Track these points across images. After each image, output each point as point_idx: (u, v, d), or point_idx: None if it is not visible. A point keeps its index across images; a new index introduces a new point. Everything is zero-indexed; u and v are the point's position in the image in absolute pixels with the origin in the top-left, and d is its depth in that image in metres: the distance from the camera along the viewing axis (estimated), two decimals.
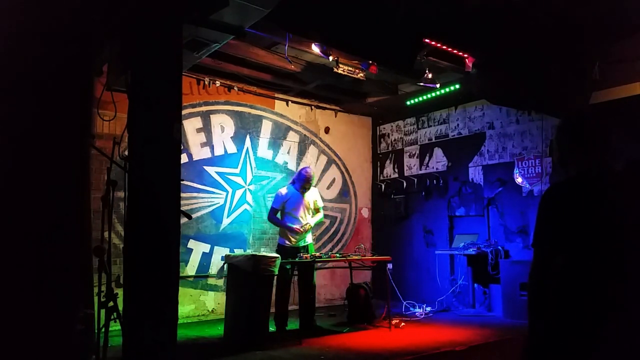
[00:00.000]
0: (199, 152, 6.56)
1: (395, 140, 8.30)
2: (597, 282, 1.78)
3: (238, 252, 6.40)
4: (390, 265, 6.78)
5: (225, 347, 4.79)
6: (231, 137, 6.87)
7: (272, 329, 5.27)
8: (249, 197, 6.96)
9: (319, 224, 6.41)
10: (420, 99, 7.14)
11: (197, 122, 6.56)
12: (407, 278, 7.64)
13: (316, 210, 5.89)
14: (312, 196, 5.86)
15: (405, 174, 8.06)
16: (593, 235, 1.80)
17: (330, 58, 5.47)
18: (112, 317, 3.07)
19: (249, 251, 6.52)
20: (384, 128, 8.50)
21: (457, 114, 7.42)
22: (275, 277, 5.04)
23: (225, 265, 5.16)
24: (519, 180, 6.52)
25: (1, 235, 2.74)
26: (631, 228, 1.80)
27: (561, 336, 1.79)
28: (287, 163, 7.39)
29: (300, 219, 5.70)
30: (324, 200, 7.81)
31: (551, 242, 1.87)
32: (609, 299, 1.75)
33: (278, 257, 4.94)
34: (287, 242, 5.67)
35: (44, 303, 2.76)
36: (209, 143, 6.65)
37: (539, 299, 1.85)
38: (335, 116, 8.06)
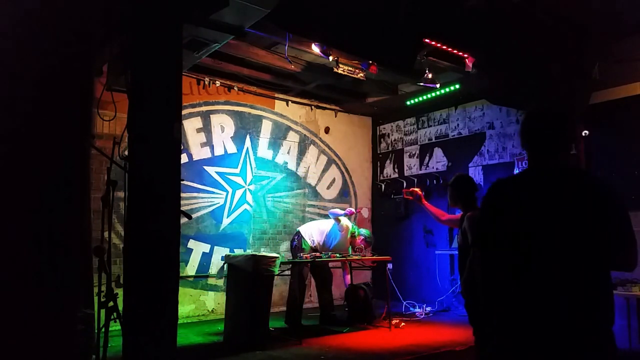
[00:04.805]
0: (199, 152, 6.56)
1: (395, 140, 8.30)
2: (526, 281, 1.74)
3: (238, 252, 6.40)
4: (390, 265, 6.78)
5: (225, 347, 4.80)
6: (231, 137, 6.87)
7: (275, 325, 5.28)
8: (249, 197, 6.96)
9: None
10: (420, 99, 7.14)
11: (197, 122, 6.56)
12: (407, 278, 7.64)
13: None
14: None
15: (405, 174, 8.05)
16: (520, 231, 1.76)
17: (330, 58, 5.46)
18: (112, 317, 3.08)
19: (249, 251, 6.52)
20: (384, 128, 8.49)
21: (457, 114, 7.41)
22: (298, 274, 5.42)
23: (225, 265, 5.16)
24: None
25: (1, 236, 2.74)
26: (561, 227, 1.73)
27: (503, 337, 1.76)
28: (287, 163, 7.39)
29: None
30: (324, 200, 7.84)
31: (489, 238, 1.84)
32: (536, 296, 1.72)
33: (278, 257, 4.93)
34: None
35: (44, 303, 2.76)
36: (209, 143, 6.65)
37: (474, 296, 1.83)
38: (335, 116, 8.06)
